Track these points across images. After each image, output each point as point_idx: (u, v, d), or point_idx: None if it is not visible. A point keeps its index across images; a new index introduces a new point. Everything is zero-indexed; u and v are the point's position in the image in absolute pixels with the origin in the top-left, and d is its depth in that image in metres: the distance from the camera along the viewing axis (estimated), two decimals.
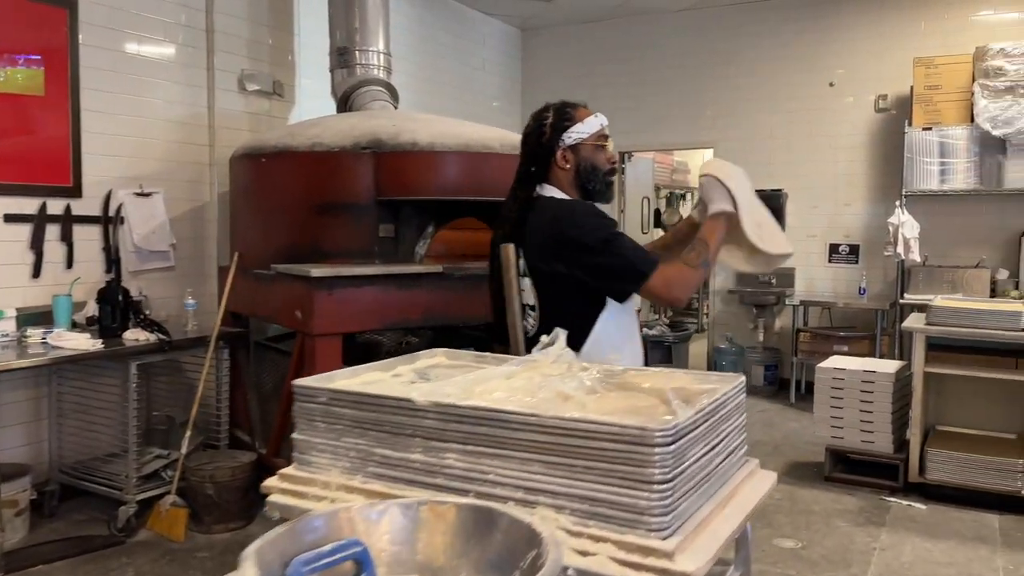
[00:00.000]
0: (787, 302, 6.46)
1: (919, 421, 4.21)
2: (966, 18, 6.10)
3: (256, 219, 3.96)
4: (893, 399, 4.30)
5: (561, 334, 1.53)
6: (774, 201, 6.35)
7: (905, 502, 4.14)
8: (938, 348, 4.21)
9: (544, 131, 2.17)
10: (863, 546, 3.60)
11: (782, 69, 6.77)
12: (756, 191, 2.23)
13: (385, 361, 1.65)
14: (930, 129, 5.76)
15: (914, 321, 4.34)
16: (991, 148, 5.63)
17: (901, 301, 5.90)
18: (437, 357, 1.69)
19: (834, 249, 6.60)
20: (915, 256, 5.78)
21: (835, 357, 4.84)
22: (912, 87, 5.88)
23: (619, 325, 2.14)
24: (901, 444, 4.34)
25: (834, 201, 6.55)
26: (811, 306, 6.56)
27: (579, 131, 2.16)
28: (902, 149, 5.88)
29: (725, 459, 1.29)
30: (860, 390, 4.37)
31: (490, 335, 2.33)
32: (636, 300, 2.25)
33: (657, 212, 8.89)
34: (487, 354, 1.67)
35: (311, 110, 5.08)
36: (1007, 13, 5.99)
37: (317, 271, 3.18)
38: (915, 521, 3.91)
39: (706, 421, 1.21)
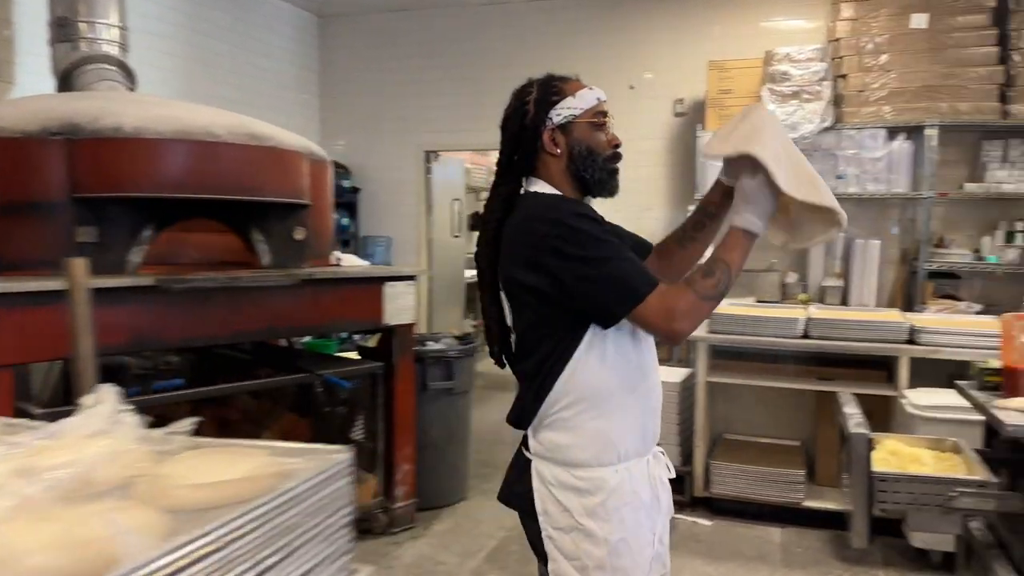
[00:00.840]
0: None
1: (703, 432, 4.06)
2: (757, 24, 6.15)
3: None
4: (679, 409, 4.13)
5: (110, 391, 1.04)
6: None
7: (691, 519, 3.96)
8: (723, 356, 4.08)
9: (527, 109, 1.73)
10: None
11: (585, 69, 6.40)
12: None
13: None
14: None
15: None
16: None
17: None
18: None
19: None
20: None
21: None
22: (707, 91, 5.83)
23: (611, 367, 1.63)
24: (689, 456, 4.18)
25: (635, 205, 6.38)
26: None
27: (570, 107, 1.73)
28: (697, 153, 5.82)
29: None
30: None
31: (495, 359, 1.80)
32: (648, 337, 1.72)
33: (474, 215, 8.52)
34: (24, 421, 1.15)
35: (37, 91, 4.27)
36: (796, 20, 6.08)
37: None
38: (699, 540, 3.72)
39: (223, 548, 0.77)
